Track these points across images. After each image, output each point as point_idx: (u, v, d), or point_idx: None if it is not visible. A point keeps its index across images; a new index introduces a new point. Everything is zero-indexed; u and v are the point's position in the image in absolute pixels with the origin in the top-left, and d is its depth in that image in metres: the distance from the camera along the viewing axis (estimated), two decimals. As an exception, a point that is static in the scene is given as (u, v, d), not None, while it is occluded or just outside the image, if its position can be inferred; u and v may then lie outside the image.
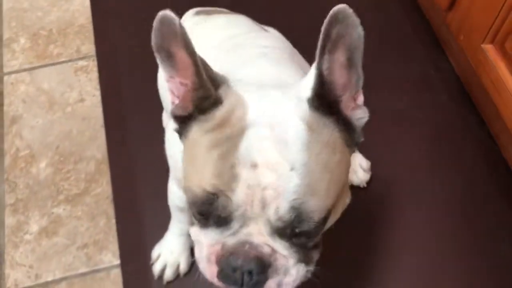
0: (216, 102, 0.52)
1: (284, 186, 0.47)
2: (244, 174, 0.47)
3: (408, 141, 1.13)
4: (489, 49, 0.96)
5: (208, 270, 0.54)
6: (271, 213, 0.48)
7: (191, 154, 0.53)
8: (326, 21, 0.46)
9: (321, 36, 0.47)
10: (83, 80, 1.25)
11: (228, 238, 0.51)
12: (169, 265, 0.96)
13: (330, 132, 0.52)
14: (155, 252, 0.98)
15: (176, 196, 0.87)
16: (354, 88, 0.53)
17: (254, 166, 0.47)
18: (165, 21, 0.48)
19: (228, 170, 0.48)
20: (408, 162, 1.10)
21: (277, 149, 0.48)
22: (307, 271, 0.54)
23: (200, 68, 0.50)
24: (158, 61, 0.52)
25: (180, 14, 0.53)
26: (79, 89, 1.24)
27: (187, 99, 0.54)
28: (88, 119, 1.19)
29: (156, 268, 0.96)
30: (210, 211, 0.50)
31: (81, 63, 1.28)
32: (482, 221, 1.03)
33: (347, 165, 0.55)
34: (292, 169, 0.47)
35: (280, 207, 0.48)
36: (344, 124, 0.53)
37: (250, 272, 0.51)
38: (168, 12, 0.48)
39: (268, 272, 0.51)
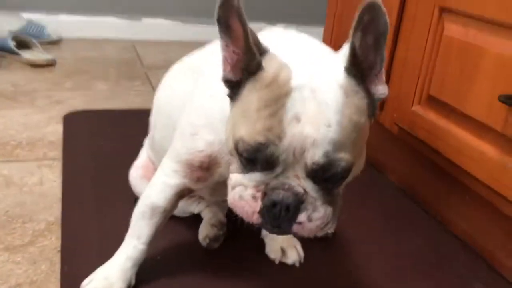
0: (259, 65, 0.62)
1: (321, 138, 0.58)
2: (290, 127, 0.58)
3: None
4: (419, 108, 1.15)
5: (250, 207, 0.63)
6: (308, 159, 0.59)
7: (243, 110, 0.63)
8: (360, 8, 0.58)
9: (355, 20, 0.58)
10: (45, 172, 1.27)
11: (271, 180, 0.61)
12: None
13: (360, 98, 0.62)
14: (86, 279, 0.85)
15: (163, 187, 0.83)
16: (378, 67, 0.64)
17: (297, 120, 0.58)
18: None
19: (277, 124, 0.58)
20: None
21: (317, 109, 0.58)
22: (332, 212, 0.64)
23: (249, 36, 0.61)
24: (219, 31, 0.63)
25: None
26: (40, 176, 1.24)
27: (238, 66, 0.65)
28: (45, 196, 1.16)
29: None
30: (259, 157, 0.60)
31: (46, 162, 1.32)
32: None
33: (367, 130, 0.66)
34: (329, 125, 0.58)
35: (316, 154, 0.58)
36: (369, 97, 0.65)
37: (287, 208, 0.61)
38: None
39: (300, 208, 0.61)
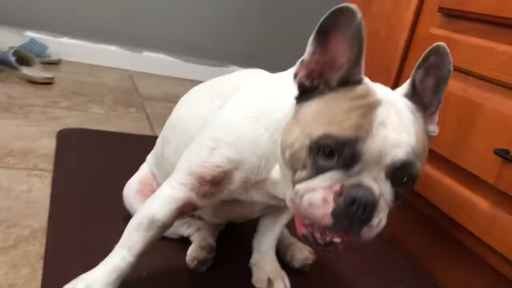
0: (361, 79, 0.67)
1: (404, 142, 0.62)
2: (378, 129, 0.62)
3: None
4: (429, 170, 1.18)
5: (321, 209, 0.62)
6: (389, 159, 0.62)
7: (328, 110, 0.65)
8: (428, 49, 0.65)
9: (421, 58, 0.66)
10: (35, 181, 1.25)
11: (347, 179, 0.62)
12: None
13: (422, 122, 0.69)
14: (68, 285, 0.81)
15: (167, 200, 0.82)
16: (433, 109, 0.72)
17: (384, 126, 0.62)
18: (347, 12, 0.62)
19: (367, 124, 0.62)
20: None
21: (399, 120, 0.64)
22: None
23: (363, 53, 0.64)
24: (314, 37, 0.65)
25: None
26: (29, 184, 1.22)
27: (315, 74, 0.68)
28: (32, 203, 1.14)
29: None
30: (346, 151, 0.61)
31: (36, 172, 1.30)
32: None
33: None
34: (409, 133, 0.63)
35: (398, 153, 0.62)
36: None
37: (363, 208, 0.61)
38: (351, 6, 0.62)
39: (374, 211, 0.62)
